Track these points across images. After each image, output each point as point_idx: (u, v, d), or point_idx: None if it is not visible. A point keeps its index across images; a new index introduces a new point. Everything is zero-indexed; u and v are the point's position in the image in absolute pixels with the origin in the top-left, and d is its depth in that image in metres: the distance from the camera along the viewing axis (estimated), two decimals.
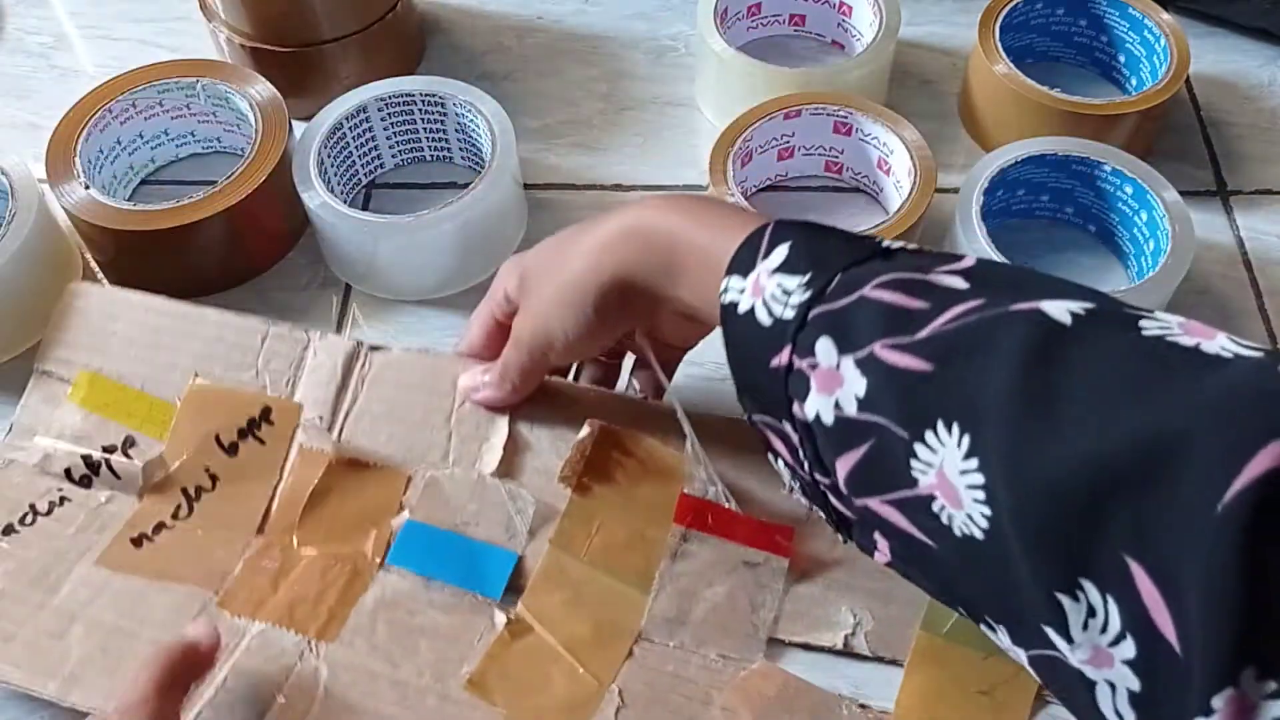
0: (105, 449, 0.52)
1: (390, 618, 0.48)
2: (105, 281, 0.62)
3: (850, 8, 0.69)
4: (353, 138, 0.63)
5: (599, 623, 0.48)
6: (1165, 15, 0.65)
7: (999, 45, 0.64)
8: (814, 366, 0.36)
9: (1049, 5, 0.68)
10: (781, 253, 0.38)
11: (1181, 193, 0.57)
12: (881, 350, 0.34)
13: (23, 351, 0.58)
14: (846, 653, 0.47)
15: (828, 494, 0.39)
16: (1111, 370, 0.30)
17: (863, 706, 0.46)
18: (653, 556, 0.49)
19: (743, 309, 0.38)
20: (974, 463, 0.31)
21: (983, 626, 0.35)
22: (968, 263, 0.36)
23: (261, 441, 0.52)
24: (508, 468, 0.51)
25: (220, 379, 0.54)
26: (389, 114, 0.63)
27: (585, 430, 0.51)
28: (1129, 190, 0.59)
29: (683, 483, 0.50)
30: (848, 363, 0.35)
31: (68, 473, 0.52)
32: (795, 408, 0.37)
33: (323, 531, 0.50)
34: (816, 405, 0.36)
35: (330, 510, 0.51)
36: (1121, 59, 0.68)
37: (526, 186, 0.65)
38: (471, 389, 0.52)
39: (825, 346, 0.35)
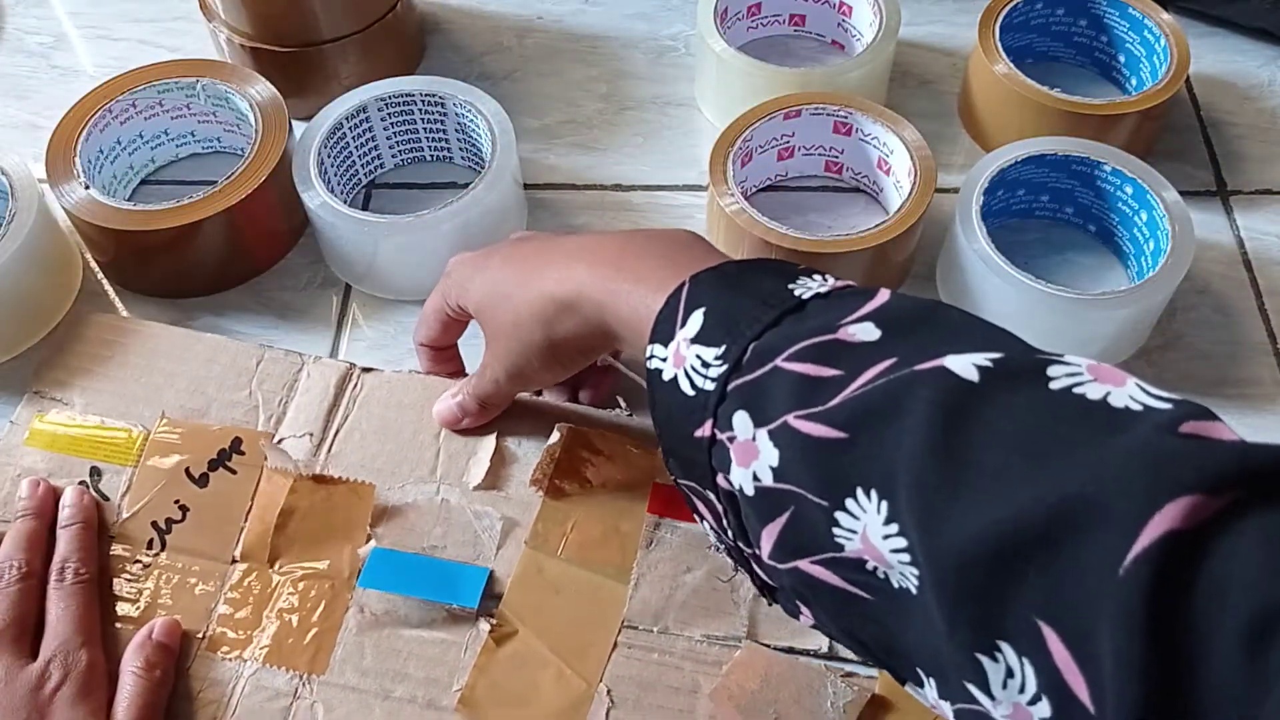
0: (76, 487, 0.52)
1: (376, 641, 0.48)
2: (105, 281, 0.62)
3: (850, 8, 0.69)
4: (353, 138, 0.63)
5: (582, 617, 0.48)
6: (1165, 15, 0.65)
7: (999, 45, 0.64)
8: (732, 439, 0.36)
9: (1049, 5, 0.68)
10: (697, 321, 0.38)
11: (1181, 193, 0.57)
12: (795, 421, 0.34)
13: (23, 351, 0.58)
14: (831, 656, 0.47)
15: (751, 561, 0.39)
16: (1018, 432, 0.31)
17: (847, 675, 0.47)
18: (628, 548, 0.50)
19: (667, 377, 0.38)
20: (894, 528, 0.32)
21: (908, 687, 0.35)
22: (879, 300, 0.36)
23: (233, 471, 0.53)
24: (494, 480, 0.52)
25: (213, 400, 0.54)
26: (389, 114, 0.63)
27: (554, 435, 0.52)
28: (1129, 190, 0.59)
29: (654, 475, 0.51)
30: (762, 434, 0.35)
31: None
32: (719, 479, 0.37)
33: (297, 551, 0.50)
34: (738, 478, 0.36)
35: (302, 529, 0.51)
36: (1121, 59, 0.68)
37: (526, 186, 0.65)
38: (450, 419, 0.52)
39: (742, 419, 0.36)
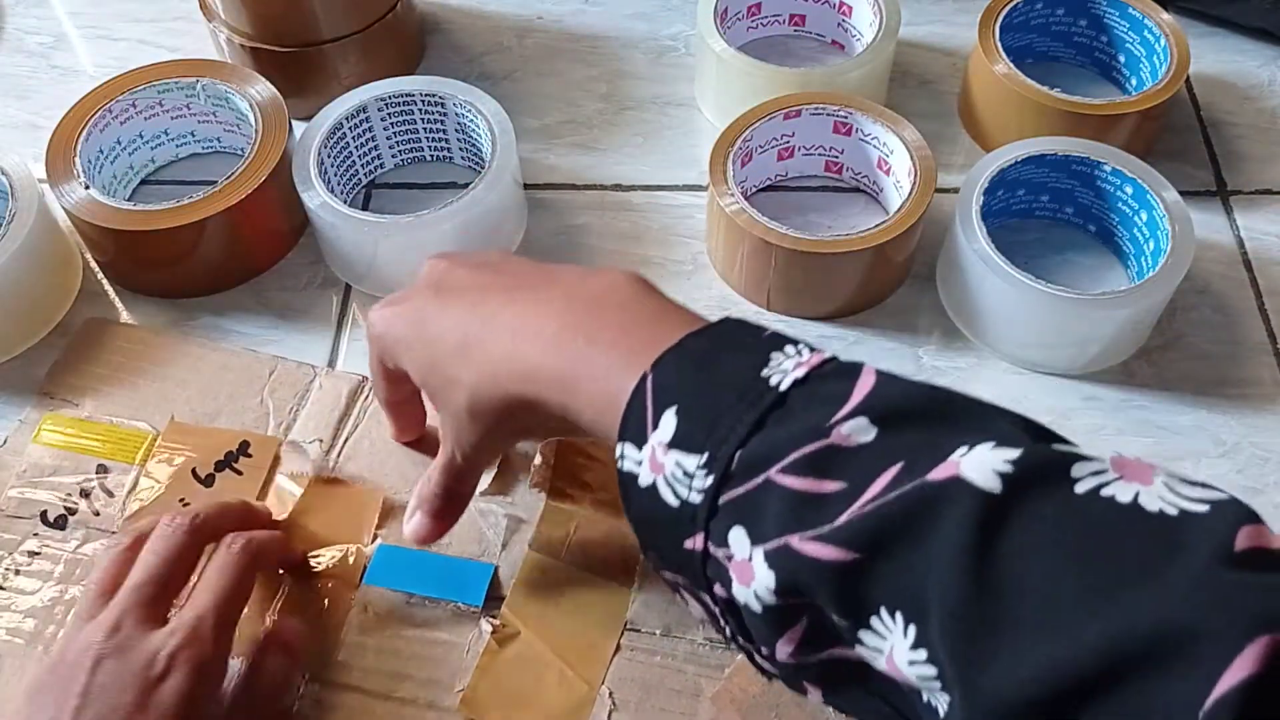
0: (81, 485, 0.52)
1: (379, 641, 0.48)
2: (105, 281, 0.62)
3: (850, 8, 0.69)
4: (353, 138, 0.63)
5: (585, 619, 0.48)
6: (1165, 15, 0.65)
7: (999, 45, 0.64)
8: (730, 558, 0.33)
9: (1049, 5, 0.68)
10: (670, 422, 0.34)
11: (1181, 193, 0.57)
12: (799, 543, 0.32)
13: (23, 351, 0.58)
14: None
15: (751, 652, 0.37)
16: (1058, 558, 0.29)
17: None
18: (631, 551, 0.50)
19: (644, 483, 0.35)
20: (923, 654, 0.30)
21: None
22: (866, 385, 0.34)
23: (239, 473, 0.53)
24: (500, 486, 0.52)
25: (223, 407, 0.55)
26: (389, 114, 0.63)
27: (537, 459, 0.52)
28: (1129, 190, 0.59)
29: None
30: (759, 554, 0.33)
31: (43, 515, 0.52)
32: (717, 589, 0.35)
33: (302, 551, 0.50)
34: (741, 594, 0.34)
35: (310, 530, 0.51)
36: (1121, 59, 0.68)
37: (526, 186, 0.65)
38: (426, 534, 0.47)
39: (738, 537, 0.33)
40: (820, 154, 0.64)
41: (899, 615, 0.30)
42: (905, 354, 0.58)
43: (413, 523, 0.47)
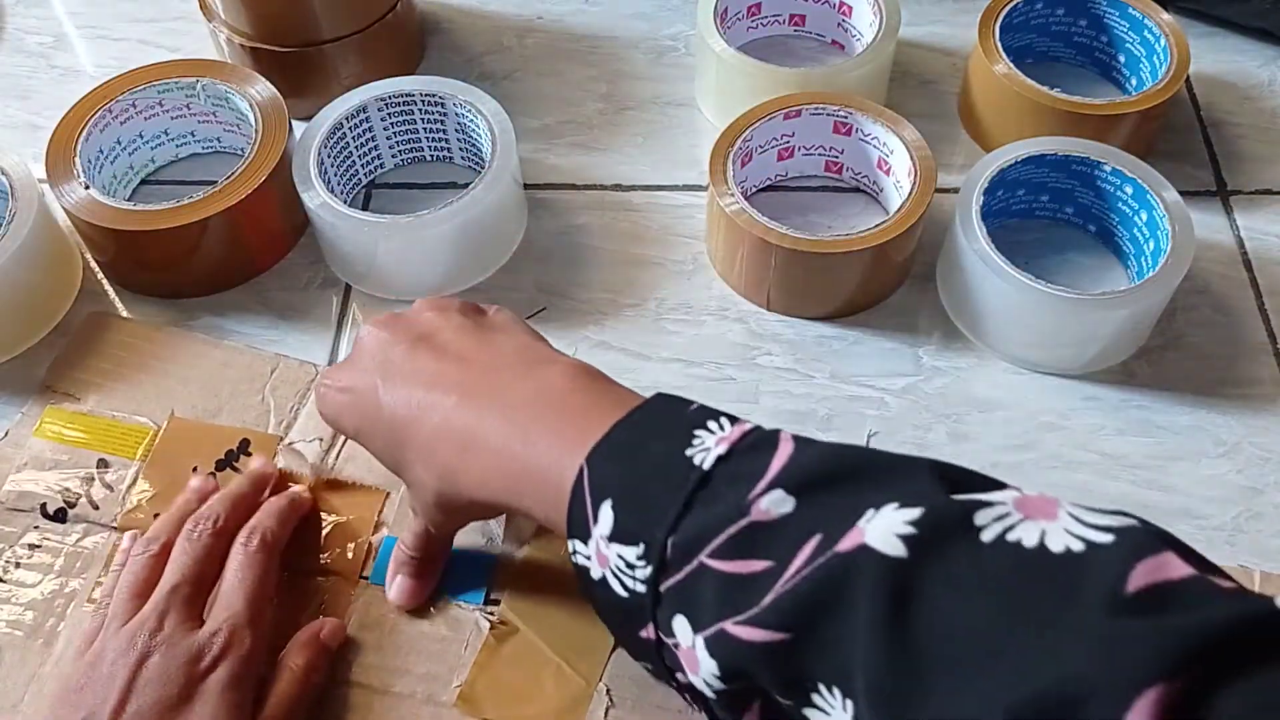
0: (81, 479, 0.53)
1: (378, 637, 0.48)
2: (105, 281, 0.62)
3: (850, 8, 0.69)
4: (353, 138, 0.63)
5: (583, 617, 0.48)
6: (1165, 15, 0.65)
7: (999, 45, 0.64)
8: (677, 646, 0.35)
9: (1049, 5, 0.68)
10: (607, 516, 0.36)
11: (1181, 193, 0.57)
12: (732, 628, 0.33)
13: (23, 351, 0.58)
14: None
15: None
16: (967, 615, 0.29)
17: None
18: None
19: (595, 576, 0.37)
20: None
21: None
22: (783, 455, 0.35)
23: (239, 472, 0.53)
24: None
25: (225, 403, 0.55)
26: (389, 114, 0.63)
27: None
28: (1129, 190, 0.59)
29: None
30: (700, 642, 0.34)
31: (42, 508, 0.52)
32: (679, 675, 0.36)
33: (302, 550, 0.50)
34: (696, 682, 0.35)
35: (309, 529, 0.51)
36: (1121, 59, 0.68)
37: (526, 186, 0.65)
38: (409, 596, 0.48)
39: (681, 625, 0.35)
40: (820, 154, 0.64)
41: (836, 690, 0.31)
42: (905, 354, 0.58)
43: (395, 587, 0.48)
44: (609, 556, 0.36)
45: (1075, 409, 0.56)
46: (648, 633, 0.36)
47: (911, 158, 0.59)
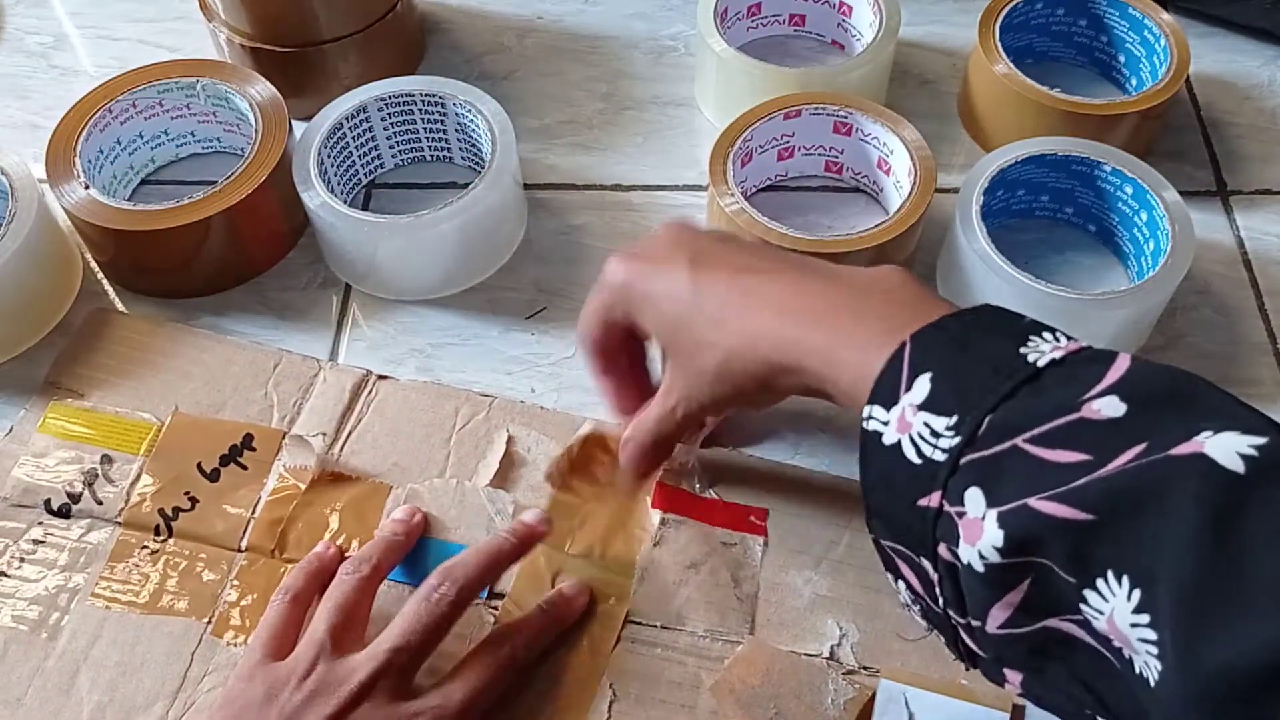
0: (85, 474, 0.53)
1: (380, 631, 0.48)
2: (105, 281, 0.62)
3: (850, 8, 0.69)
4: (353, 138, 0.63)
5: (586, 611, 0.49)
6: (1165, 15, 0.65)
7: (999, 45, 0.64)
8: (961, 515, 0.34)
9: (1049, 5, 0.68)
10: (924, 386, 0.36)
11: (1181, 193, 0.57)
12: (1036, 502, 0.33)
13: (23, 352, 0.58)
14: (832, 658, 0.48)
15: (959, 630, 0.37)
16: None
17: (849, 673, 0.47)
18: (633, 545, 0.50)
19: (888, 441, 0.36)
20: (1145, 618, 0.31)
21: None
22: (1120, 368, 0.35)
23: (244, 467, 0.53)
24: (501, 481, 0.52)
25: (228, 398, 0.55)
26: (389, 114, 0.63)
27: (585, 428, 0.53)
28: (1129, 190, 0.59)
29: (659, 472, 0.52)
30: (992, 515, 0.33)
31: (46, 503, 0.52)
32: (942, 549, 0.35)
33: (306, 545, 0.51)
34: (966, 554, 0.34)
35: (313, 524, 0.51)
36: (1121, 59, 0.68)
37: (526, 186, 0.65)
38: (637, 463, 0.48)
39: (974, 496, 0.34)
40: (820, 154, 0.64)
41: (1125, 579, 0.31)
42: None
43: (628, 450, 0.48)
44: (913, 423, 0.36)
45: None
46: (929, 500, 0.35)
47: (911, 158, 0.59)
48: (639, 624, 0.48)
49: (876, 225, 0.56)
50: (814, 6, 0.71)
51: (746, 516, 0.51)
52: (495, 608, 0.49)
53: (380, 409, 0.55)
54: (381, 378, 0.56)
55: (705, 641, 0.48)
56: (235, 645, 0.48)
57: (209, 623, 0.49)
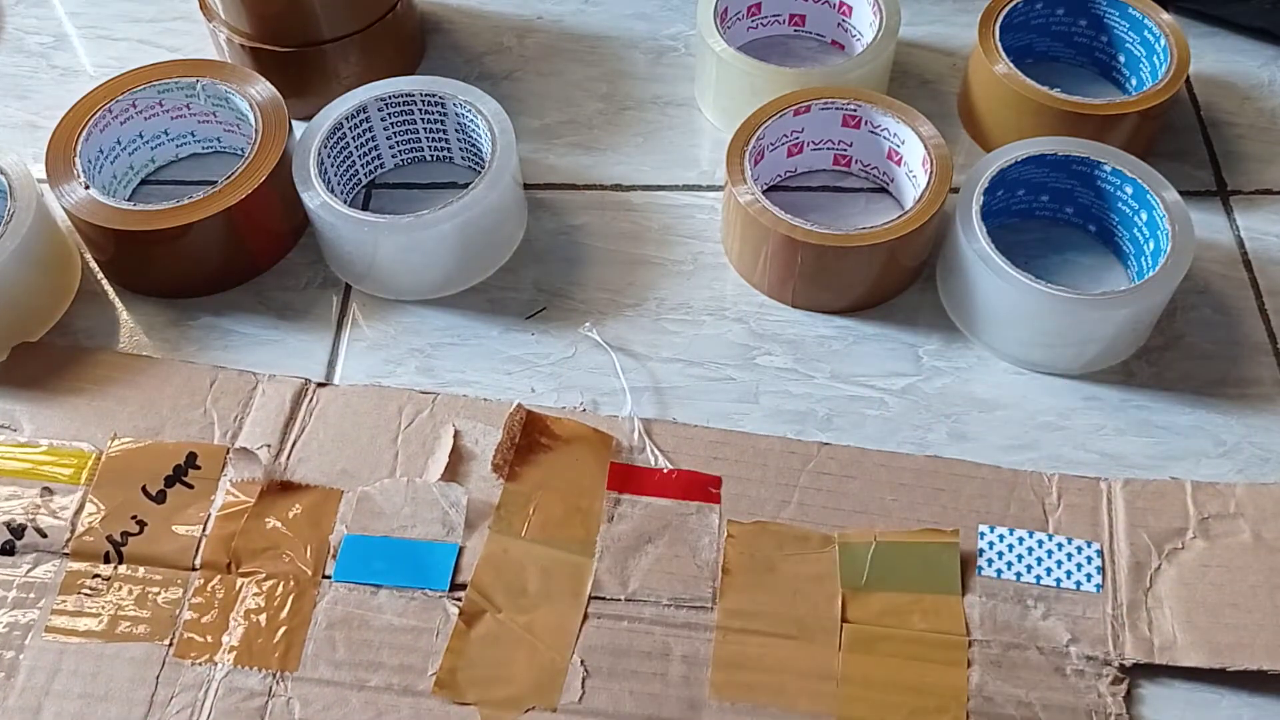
0: (26, 508, 0.52)
1: (346, 634, 0.48)
2: (105, 281, 0.62)
3: (850, 8, 0.69)
4: (353, 138, 0.63)
5: (549, 593, 0.49)
6: (1165, 15, 0.65)
7: (999, 45, 0.64)
8: None
9: (1049, 5, 0.68)
10: None
11: (1181, 193, 0.57)
12: None
13: None
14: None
15: None
16: None
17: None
18: (590, 524, 0.51)
19: None
20: None
21: None
22: None
23: (190, 486, 0.53)
24: (452, 475, 0.53)
25: (166, 419, 0.55)
26: (389, 114, 0.63)
27: (513, 407, 0.54)
28: (1129, 190, 0.59)
29: (610, 454, 0.53)
30: None
31: None
32: None
33: (260, 555, 0.50)
34: None
35: (265, 534, 0.51)
36: (1121, 59, 0.68)
37: (526, 186, 0.65)
38: None
39: None
40: (829, 148, 0.64)
41: None
42: (905, 353, 0.58)
43: None
44: None
45: (1075, 409, 0.56)
46: None
47: (927, 150, 0.59)
48: (603, 599, 0.49)
49: (898, 217, 0.56)
50: (814, 6, 0.71)
51: (703, 487, 0.52)
52: (458, 599, 0.49)
53: (323, 416, 0.55)
54: (321, 385, 0.56)
55: (670, 610, 0.49)
56: (200, 664, 0.48)
57: (170, 644, 0.48)
